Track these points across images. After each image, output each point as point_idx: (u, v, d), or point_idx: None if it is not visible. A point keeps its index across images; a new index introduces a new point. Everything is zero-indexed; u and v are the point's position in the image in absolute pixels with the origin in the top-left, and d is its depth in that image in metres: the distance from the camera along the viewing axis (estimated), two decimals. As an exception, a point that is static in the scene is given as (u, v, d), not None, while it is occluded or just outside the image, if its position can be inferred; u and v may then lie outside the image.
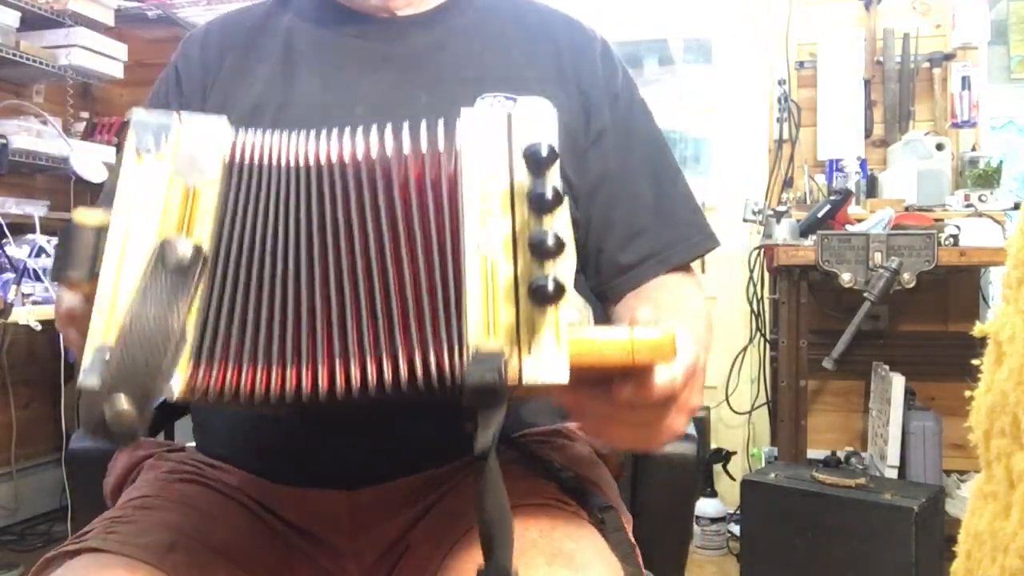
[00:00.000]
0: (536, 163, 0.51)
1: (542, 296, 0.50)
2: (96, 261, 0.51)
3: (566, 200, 0.52)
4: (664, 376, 0.55)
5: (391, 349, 0.53)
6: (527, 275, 0.51)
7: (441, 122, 0.56)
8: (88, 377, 0.49)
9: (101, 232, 0.52)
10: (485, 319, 0.51)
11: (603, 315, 0.90)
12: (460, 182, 0.54)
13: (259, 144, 0.57)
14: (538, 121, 0.53)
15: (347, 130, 0.58)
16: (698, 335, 0.77)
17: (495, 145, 0.53)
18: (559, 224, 0.51)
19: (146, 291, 0.50)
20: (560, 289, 0.49)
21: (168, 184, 0.53)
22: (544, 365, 0.50)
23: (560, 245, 0.50)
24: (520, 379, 0.50)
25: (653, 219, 0.91)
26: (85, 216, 0.52)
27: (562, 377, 0.50)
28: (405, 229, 0.55)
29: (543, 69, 0.91)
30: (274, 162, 0.57)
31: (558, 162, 0.52)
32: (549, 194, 0.51)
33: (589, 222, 0.90)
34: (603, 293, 0.92)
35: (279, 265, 0.54)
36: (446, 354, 0.52)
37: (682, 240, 0.91)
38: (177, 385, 0.50)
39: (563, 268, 0.51)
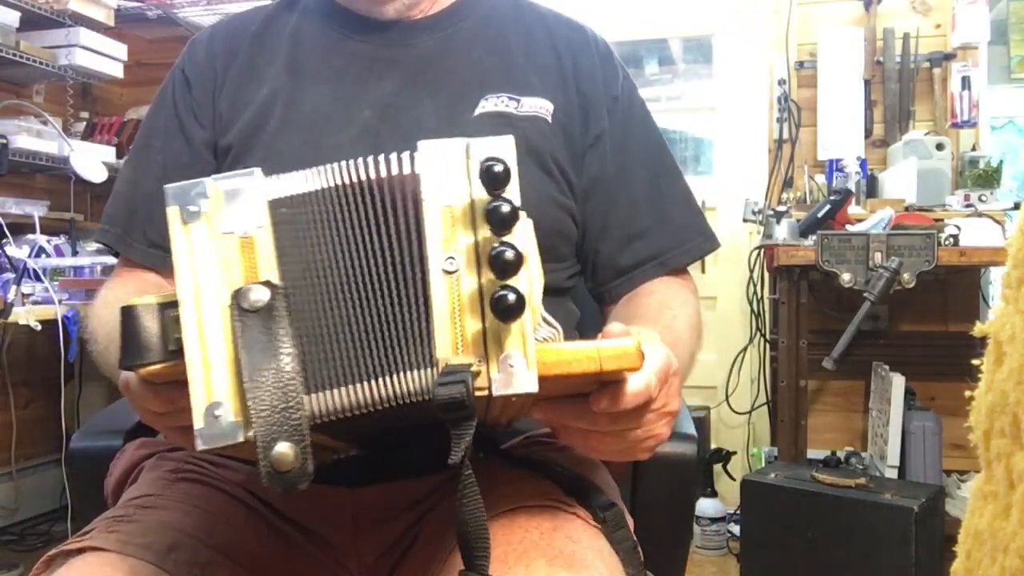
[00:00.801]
0: (492, 179, 0.52)
1: (505, 309, 0.51)
2: (165, 340, 0.52)
3: (523, 216, 0.53)
4: (637, 383, 0.56)
5: (371, 370, 0.54)
6: (491, 290, 0.52)
7: (406, 154, 0.56)
8: (206, 440, 0.50)
9: (164, 309, 0.52)
10: (452, 336, 0.53)
11: (598, 324, 0.91)
12: (421, 202, 0.54)
13: (290, 181, 0.57)
14: (495, 145, 0.54)
15: (340, 163, 0.58)
16: (678, 338, 0.78)
17: (453, 166, 0.54)
18: (520, 238, 0.53)
19: (241, 340, 0.50)
20: (521, 301, 0.51)
21: (221, 242, 0.53)
22: (512, 377, 0.52)
23: (520, 258, 0.51)
24: (489, 391, 0.52)
25: (652, 221, 0.92)
26: (141, 300, 0.53)
27: (531, 386, 0.52)
28: (381, 249, 0.56)
29: (544, 71, 0.91)
30: (307, 191, 0.57)
31: (516, 179, 0.53)
32: (506, 208, 0.52)
33: (587, 224, 0.91)
34: (601, 295, 0.93)
35: (343, 289, 0.55)
36: (416, 372, 0.54)
37: (681, 243, 0.93)
38: (306, 410, 0.52)
39: (525, 281, 0.52)
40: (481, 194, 0.53)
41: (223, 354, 0.51)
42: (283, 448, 0.49)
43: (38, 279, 2.29)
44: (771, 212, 2.38)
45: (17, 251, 2.40)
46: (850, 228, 2.29)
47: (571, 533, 0.68)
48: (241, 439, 0.50)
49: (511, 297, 0.51)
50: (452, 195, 0.54)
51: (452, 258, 0.53)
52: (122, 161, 1.96)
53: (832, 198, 2.40)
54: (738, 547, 2.26)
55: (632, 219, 0.91)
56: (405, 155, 0.56)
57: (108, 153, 2.75)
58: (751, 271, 2.78)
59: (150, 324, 0.52)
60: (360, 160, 0.57)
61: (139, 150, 0.94)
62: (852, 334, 2.14)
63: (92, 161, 2.59)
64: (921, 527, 1.76)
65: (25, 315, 2.12)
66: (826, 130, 2.80)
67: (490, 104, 0.87)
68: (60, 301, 2.24)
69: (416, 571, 0.75)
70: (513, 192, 0.53)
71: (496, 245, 0.52)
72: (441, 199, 0.54)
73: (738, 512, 2.34)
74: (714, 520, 2.60)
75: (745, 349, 2.86)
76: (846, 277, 2.09)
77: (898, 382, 2.35)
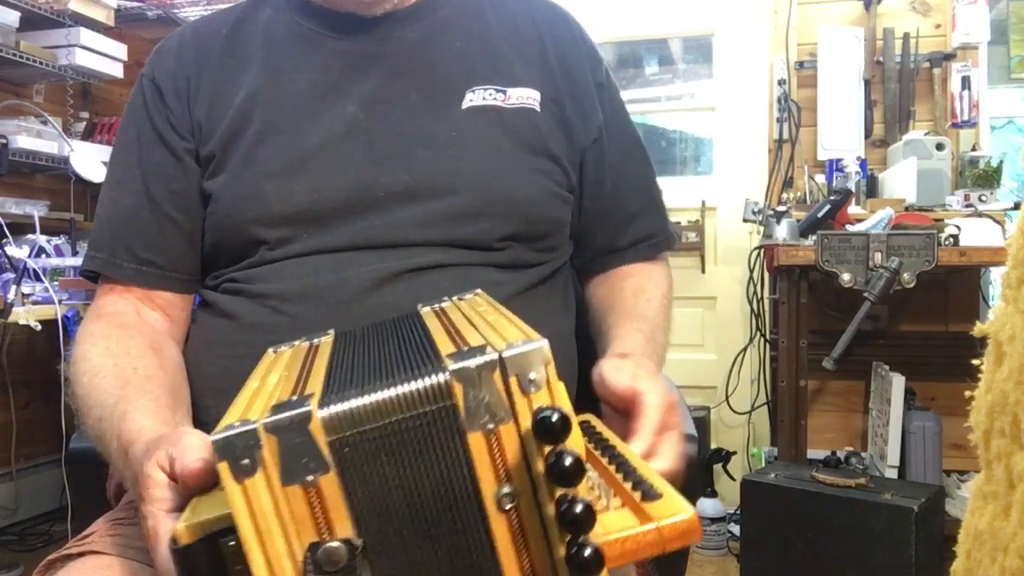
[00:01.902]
0: (547, 430, 0.47)
1: (581, 563, 0.46)
2: (227, 572, 0.47)
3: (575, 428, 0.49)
4: (669, 454, 0.60)
5: None
6: (554, 522, 0.48)
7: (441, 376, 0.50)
8: None
9: (216, 539, 0.48)
10: (518, 571, 0.48)
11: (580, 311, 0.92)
12: (465, 432, 0.48)
13: (344, 404, 0.49)
14: (529, 359, 0.48)
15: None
16: (655, 325, 0.84)
17: (490, 385, 0.48)
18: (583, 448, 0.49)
19: None
20: (598, 557, 0.46)
21: (284, 497, 0.47)
22: None
23: (581, 470, 0.47)
24: None
25: (642, 204, 0.96)
26: (187, 534, 0.48)
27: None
28: (440, 484, 0.49)
29: (527, 58, 0.92)
30: (364, 425, 0.49)
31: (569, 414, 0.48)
32: (568, 460, 0.46)
33: (589, 208, 0.93)
34: (589, 267, 0.95)
35: (413, 533, 0.49)
36: None
37: (664, 226, 0.98)
38: None
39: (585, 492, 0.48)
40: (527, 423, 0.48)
41: None
42: None
43: (38, 279, 2.29)
44: (771, 212, 2.38)
45: (17, 251, 2.39)
46: (850, 228, 2.29)
47: None
48: None
49: (587, 553, 0.46)
50: (494, 417, 0.48)
51: (508, 493, 0.48)
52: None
53: (832, 198, 2.40)
54: (738, 547, 2.26)
55: (628, 202, 0.94)
56: (440, 376, 0.49)
57: (108, 153, 2.74)
58: (751, 271, 2.78)
59: (204, 563, 0.48)
60: (398, 379, 0.50)
61: (115, 168, 0.90)
62: (852, 334, 2.14)
63: (92, 161, 2.59)
64: (921, 527, 1.76)
65: (25, 315, 2.12)
66: (826, 130, 2.80)
67: (477, 97, 0.87)
68: (60, 301, 2.23)
69: None
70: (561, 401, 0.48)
71: (552, 461, 0.47)
72: (482, 423, 0.48)
73: (738, 512, 2.34)
74: (714, 520, 2.60)
75: (745, 349, 2.86)
76: (846, 277, 2.09)
77: (898, 382, 2.35)
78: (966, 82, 2.66)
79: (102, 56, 2.73)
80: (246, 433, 0.46)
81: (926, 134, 2.62)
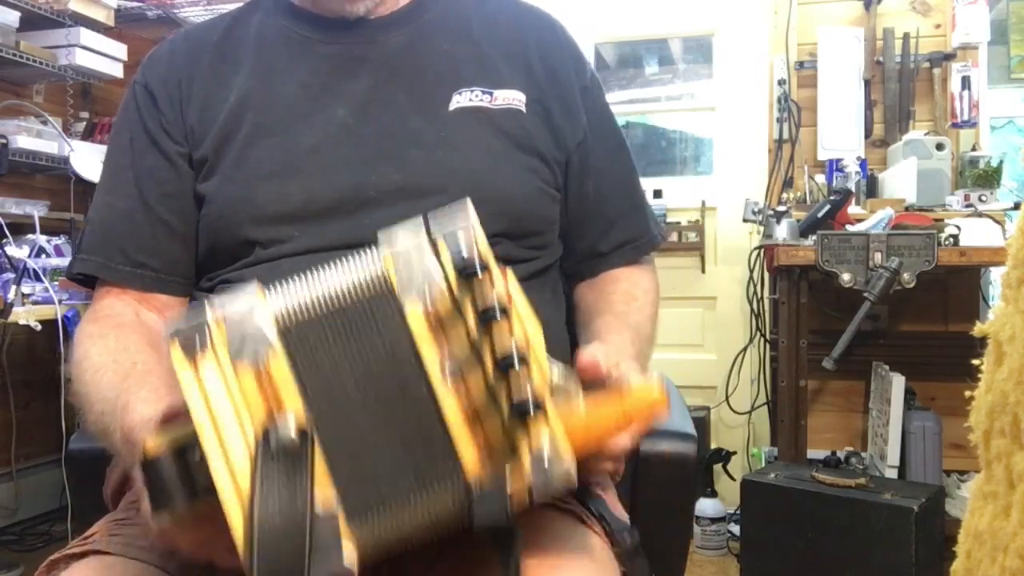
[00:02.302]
0: (463, 264, 0.49)
1: (523, 409, 0.48)
2: (191, 482, 0.49)
3: (509, 271, 0.51)
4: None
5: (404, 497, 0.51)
6: (502, 385, 0.49)
7: (367, 250, 0.53)
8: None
9: (185, 451, 0.49)
10: (475, 447, 0.49)
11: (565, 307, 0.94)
12: (403, 308, 0.51)
13: (291, 290, 0.53)
14: (452, 212, 0.51)
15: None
16: (642, 333, 0.86)
17: (421, 255, 0.51)
18: (504, 290, 0.50)
19: (263, 489, 0.46)
20: (538, 403, 0.48)
21: (234, 375, 0.49)
22: (549, 475, 0.48)
23: (522, 359, 0.48)
24: (531, 498, 0.49)
25: (628, 207, 0.97)
26: (157, 443, 0.50)
27: (569, 479, 0.49)
28: (386, 362, 0.52)
29: (512, 60, 0.93)
30: (310, 302, 0.53)
31: (483, 241, 0.51)
32: (488, 299, 0.49)
33: (575, 209, 0.93)
34: (576, 271, 0.96)
35: (362, 413, 0.51)
36: (450, 497, 0.50)
37: (649, 229, 0.98)
38: (350, 555, 0.48)
39: (520, 334, 0.50)
40: (457, 281, 0.50)
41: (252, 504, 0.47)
42: None
43: (38, 279, 2.29)
44: (771, 212, 2.38)
45: (17, 251, 2.39)
46: (850, 228, 2.29)
47: (558, 531, 0.68)
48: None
49: (529, 397, 0.48)
50: (429, 290, 0.50)
51: (451, 362, 0.50)
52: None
53: (832, 198, 2.40)
54: (738, 547, 2.26)
55: (613, 205, 0.95)
56: (374, 255, 0.52)
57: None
58: (751, 271, 2.78)
59: (171, 474, 0.49)
60: (338, 263, 0.53)
61: (109, 174, 0.91)
62: (852, 334, 2.14)
63: (92, 161, 2.59)
64: (921, 527, 1.76)
65: (25, 315, 2.12)
66: (826, 130, 2.80)
67: (464, 99, 0.88)
68: (60, 301, 2.23)
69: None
70: (485, 253, 0.50)
71: (498, 342, 0.49)
72: (419, 299, 0.50)
73: (738, 512, 2.34)
74: (714, 520, 2.60)
75: (745, 349, 2.86)
76: (846, 277, 2.09)
77: (898, 382, 2.35)
78: (966, 82, 2.66)
79: (102, 56, 2.73)
80: (198, 324, 0.50)
81: (926, 134, 2.62)
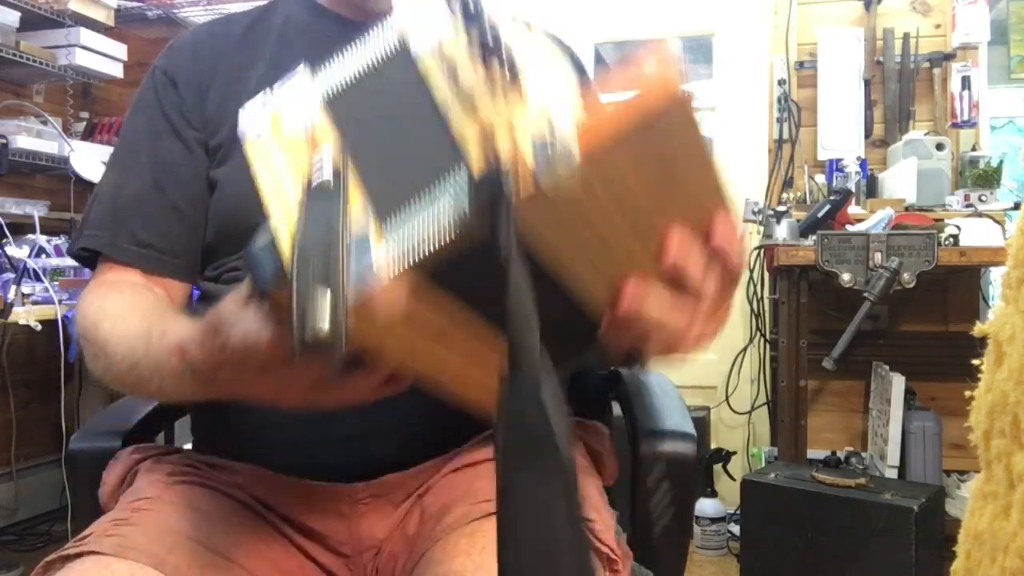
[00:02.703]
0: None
1: (513, 74, 0.49)
2: (277, 264, 0.51)
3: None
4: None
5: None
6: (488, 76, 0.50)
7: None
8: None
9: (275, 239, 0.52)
10: (475, 134, 0.49)
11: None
12: (417, 63, 0.54)
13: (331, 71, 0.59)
14: None
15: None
16: None
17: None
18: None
19: (304, 218, 0.50)
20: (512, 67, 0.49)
21: (290, 143, 0.56)
22: (552, 148, 0.46)
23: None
24: (536, 183, 0.46)
25: None
26: (259, 237, 0.53)
27: (572, 158, 0.45)
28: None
29: None
30: (347, 78, 0.58)
31: None
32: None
33: None
34: None
35: (391, 136, 0.54)
36: (457, 188, 0.49)
37: None
38: (380, 255, 0.49)
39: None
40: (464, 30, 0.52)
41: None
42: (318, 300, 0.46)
43: (38, 279, 2.29)
44: (771, 212, 2.38)
45: (17, 251, 2.39)
46: (850, 228, 2.29)
47: None
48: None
49: (506, 62, 0.49)
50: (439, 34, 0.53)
51: (459, 93, 0.52)
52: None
53: (832, 198, 2.40)
54: (738, 547, 2.26)
55: None
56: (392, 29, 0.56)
57: (108, 153, 2.73)
58: (751, 271, 2.78)
59: (263, 255, 0.53)
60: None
61: (122, 154, 0.92)
62: (852, 334, 2.14)
63: (92, 161, 2.59)
64: (921, 527, 1.76)
65: (25, 315, 2.12)
66: (826, 130, 2.80)
67: None
68: (60, 301, 2.24)
69: (415, 551, 0.75)
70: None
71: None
72: (433, 50, 0.53)
73: (738, 512, 2.34)
74: (714, 520, 2.60)
75: (745, 349, 2.86)
76: (846, 277, 2.09)
77: (898, 382, 2.35)
78: (966, 82, 2.66)
79: (102, 56, 2.74)
80: (260, 104, 0.59)
81: (926, 134, 2.63)
